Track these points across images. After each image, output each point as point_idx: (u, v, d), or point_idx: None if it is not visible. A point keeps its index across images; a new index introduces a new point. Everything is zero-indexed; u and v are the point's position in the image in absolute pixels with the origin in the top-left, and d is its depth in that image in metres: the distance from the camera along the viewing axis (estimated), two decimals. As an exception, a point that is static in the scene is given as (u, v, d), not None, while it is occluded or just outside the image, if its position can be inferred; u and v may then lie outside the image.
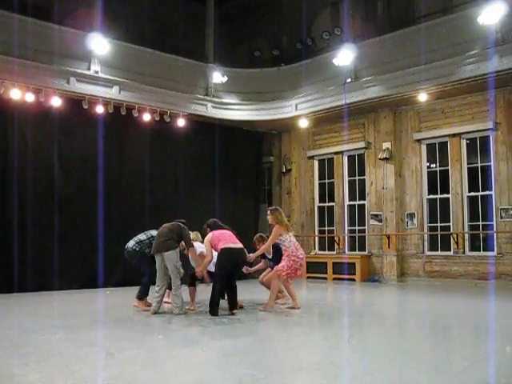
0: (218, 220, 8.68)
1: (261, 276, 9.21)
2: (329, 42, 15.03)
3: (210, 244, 7.96)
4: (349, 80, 13.64)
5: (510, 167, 12.16)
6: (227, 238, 7.92)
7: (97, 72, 12.63)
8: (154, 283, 8.12)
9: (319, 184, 16.16)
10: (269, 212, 8.56)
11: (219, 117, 14.87)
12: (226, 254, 7.74)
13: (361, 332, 6.70)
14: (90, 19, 12.60)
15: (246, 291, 9.24)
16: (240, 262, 7.97)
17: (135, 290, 11.77)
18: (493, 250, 12.34)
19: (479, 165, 12.88)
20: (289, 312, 8.15)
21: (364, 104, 13.69)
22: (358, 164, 15.19)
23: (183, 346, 5.71)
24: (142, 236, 8.76)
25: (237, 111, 15.14)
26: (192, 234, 8.73)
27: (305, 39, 15.51)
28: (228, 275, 7.82)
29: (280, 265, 8.28)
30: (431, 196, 13.65)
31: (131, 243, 8.70)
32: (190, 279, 8.55)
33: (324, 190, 16.04)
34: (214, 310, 7.68)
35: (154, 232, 8.66)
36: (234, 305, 7.91)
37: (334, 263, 14.60)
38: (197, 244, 8.53)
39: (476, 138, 12.95)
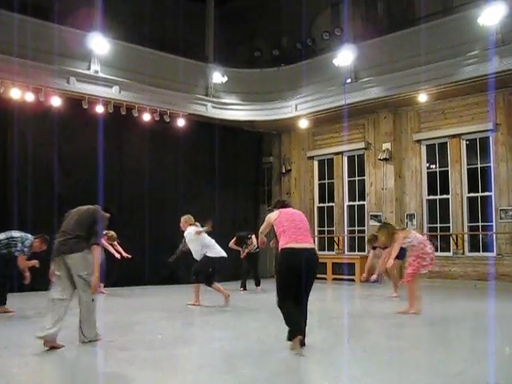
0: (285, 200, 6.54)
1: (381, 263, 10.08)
2: (329, 43, 15.02)
3: (270, 224, 5.79)
4: (349, 80, 13.64)
5: (509, 168, 12.15)
6: (295, 230, 5.52)
7: (97, 72, 12.64)
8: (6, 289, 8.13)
9: (319, 184, 16.16)
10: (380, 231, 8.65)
11: (219, 117, 14.87)
12: (283, 259, 5.45)
13: (360, 333, 6.70)
14: (89, 19, 12.59)
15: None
16: (302, 269, 5.35)
17: (134, 289, 11.79)
18: (492, 251, 12.35)
19: (479, 166, 12.89)
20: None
21: (364, 104, 13.69)
22: (357, 164, 15.19)
23: (182, 346, 5.71)
24: (1, 235, 8.23)
25: (237, 111, 15.13)
26: (185, 218, 9.17)
27: (305, 39, 15.50)
28: (293, 289, 5.43)
29: (407, 270, 8.30)
30: (431, 197, 13.65)
31: None
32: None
33: (324, 191, 16.04)
34: (290, 336, 5.30)
35: (15, 233, 8.26)
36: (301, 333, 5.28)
37: (333, 263, 14.60)
38: (191, 229, 8.86)
39: (476, 139, 12.96)
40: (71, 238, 5.70)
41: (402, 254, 9.23)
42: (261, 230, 6.05)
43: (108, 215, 6.36)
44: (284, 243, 5.45)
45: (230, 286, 11.30)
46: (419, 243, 8.32)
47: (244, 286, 12.19)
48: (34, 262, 8.46)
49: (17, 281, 11.02)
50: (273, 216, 5.75)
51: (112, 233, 11.11)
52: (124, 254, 11.26)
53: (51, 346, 5.36)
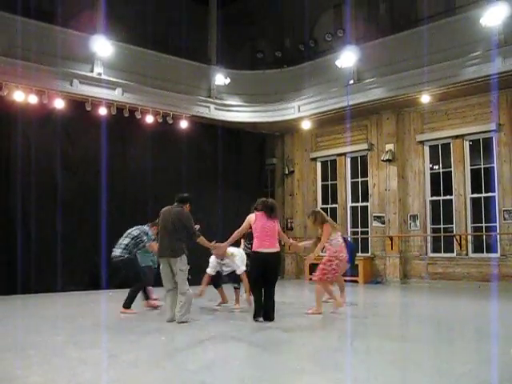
0: (267, 201, 7.73)
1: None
2: (331, 44, 15.04)
3: (250, 223, 7.47)
4: (351, 82, 13.64)
5: (513, 169, 12.14)
6: (265, 237, 7.29)
7: (100, 74, 12.67)
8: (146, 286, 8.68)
9: (322, 186, 16.15)
10: (309, 217, 8.57)
11: (222, 118, 14.89)
12: (255, 258, 7.38)
13: (363, 334, 6.69)
14: (93, 21, 12.64)
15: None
16: (268, 266, 7.29)
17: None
18: (496, 252, 12.32)
19: (482, 166, 12.86)
20: (293, 314, 8.14)
21: (367, 106, 13.68)
22: (360, 166, 15.18)
23: (186, 347, 5.71)
24: (124, 240, 8.53)
25: (239, 113, 15.15)
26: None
27: (307, 41, 15.53)
28: (262, 280, 7.34)
29: (318, 268, 8.26)
30: (434, 198, 13.63)
31: (118, 252, 8.43)
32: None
33: (327, 192, 16.03)
34: (257, 315, 7.33)
35: (134, 232, 8.61)
36: (268, 315, 7.32)
37: (336, 265, 14.54)
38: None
39: (479, 140, 12.93)
40: (174, 241, 7.29)
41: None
42: (240, 229, 7.58)
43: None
44: (255, 245, 7.26)
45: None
46: (338, 246, 8.23)
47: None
48: None
49: (21, 282, 11.09)
50: (251, 218, 7.44)
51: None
52: None
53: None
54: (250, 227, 7.46)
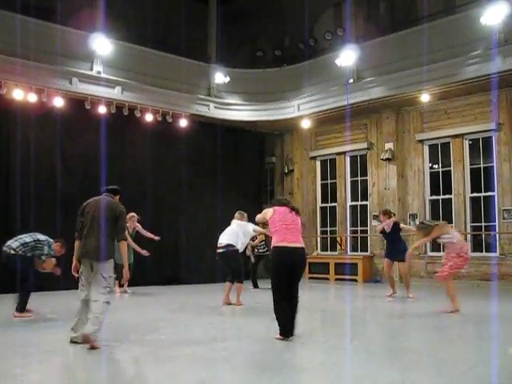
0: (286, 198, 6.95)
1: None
2: (331, 43, 15.02)
3: (265, 218, 6.32)
4: (351, 80, 13.62)
5: (512, 168, 12.14)
6: (286, 230, 5.98)
7: (99, 72, 12.65)
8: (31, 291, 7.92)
9: (321, 184, 16.14)
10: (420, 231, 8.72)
11: (221, 117, 14.87)
12: (276, 255, 6.02)
13: (363, 333, 6.69)
14: (92, 20, 12.61)
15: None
16: (295, 265, 5.93)
17: (138, 289, 11.76)
18: (495, 251, 12.32)
19: (482, 165, 12.85)
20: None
21: (366, 104, 13.67)
22: (360, 165, 15.17)
23: (186, 346, 5.70)
24: (27, 238, 8.03)
25: (239, 111, 15.13)
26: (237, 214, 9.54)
27: (307, 40, 15.50)
28: (285, 283, 5.91)
29: (445, 266, 8.22)
30: (433, 197, 13.62)
31: (15, 244, 7.89)
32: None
33: (326, 191, 16.02)
34: (284, 330, 5.87)
35: (40, 236, 8.13)
36: (291, 327, 5.93)
37: (336, 264, 14.58)
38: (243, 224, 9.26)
39: (479, 139, 12.92)
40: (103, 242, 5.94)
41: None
42: (256, 218, 6.65)
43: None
44: (275, 240, 5.98)
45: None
46: (460, 242, 8.26)
47: (255, 285, 12.36)
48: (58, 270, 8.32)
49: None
50: (269, 213, 6.21)
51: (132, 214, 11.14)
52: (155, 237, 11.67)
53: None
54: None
